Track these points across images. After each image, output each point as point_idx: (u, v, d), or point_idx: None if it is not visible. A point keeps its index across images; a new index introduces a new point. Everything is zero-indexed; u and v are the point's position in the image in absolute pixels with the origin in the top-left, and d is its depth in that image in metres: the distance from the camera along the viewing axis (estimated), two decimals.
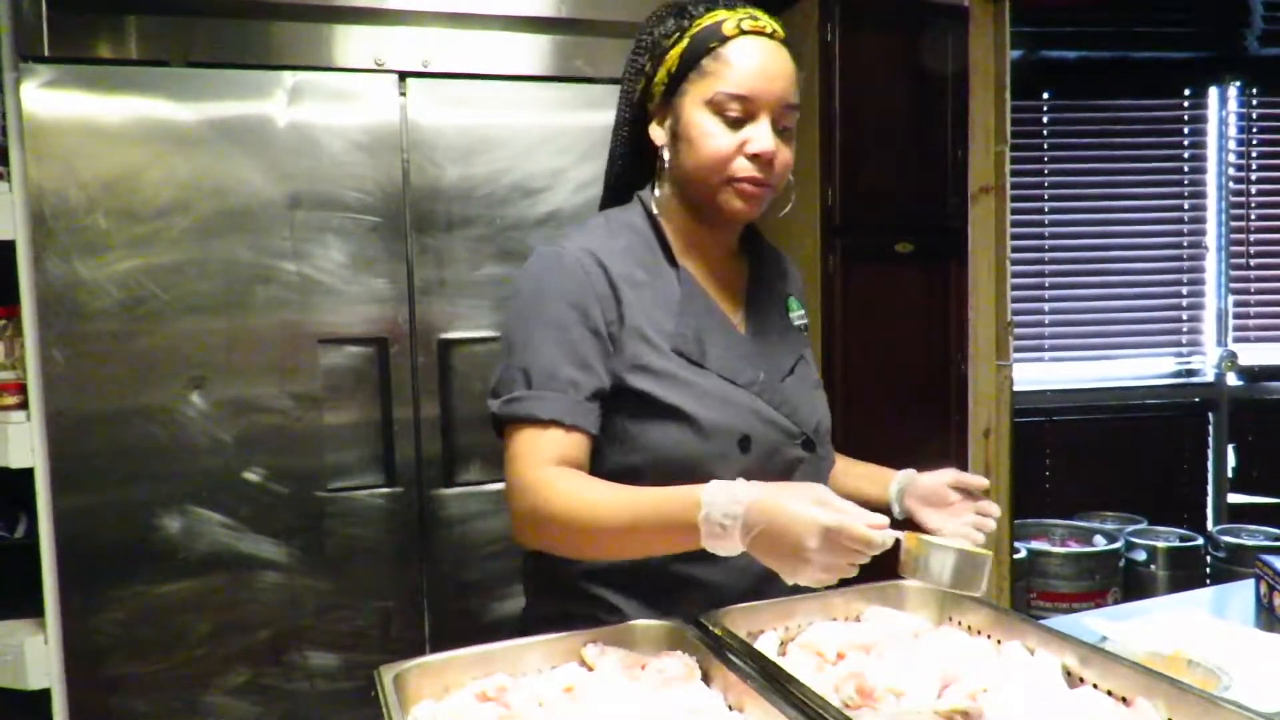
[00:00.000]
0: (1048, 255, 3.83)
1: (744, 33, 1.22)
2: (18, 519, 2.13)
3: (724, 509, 0.99)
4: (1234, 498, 3.91)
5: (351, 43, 2.11)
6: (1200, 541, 3.51)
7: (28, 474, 1.94)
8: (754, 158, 1.21)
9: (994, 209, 2.73)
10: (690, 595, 1.21)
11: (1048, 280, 3.83)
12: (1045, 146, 3.84)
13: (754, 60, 1.21)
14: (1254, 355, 3.90)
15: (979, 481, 1.31)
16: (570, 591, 1.28)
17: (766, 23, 1.25)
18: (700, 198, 1.26)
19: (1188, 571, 3.42)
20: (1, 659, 1.97)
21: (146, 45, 1.99)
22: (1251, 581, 1.68)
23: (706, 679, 1.04)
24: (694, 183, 1.25)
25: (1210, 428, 3.92)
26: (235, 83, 2.00)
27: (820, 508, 0.95)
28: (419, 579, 2.16)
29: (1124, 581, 3.42)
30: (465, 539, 2.17)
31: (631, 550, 1.14)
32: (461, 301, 2.14)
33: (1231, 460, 3.92)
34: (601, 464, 1.23)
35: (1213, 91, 3.88)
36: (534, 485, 1.14)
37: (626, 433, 1.23)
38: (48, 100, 1.89)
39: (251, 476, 2.04)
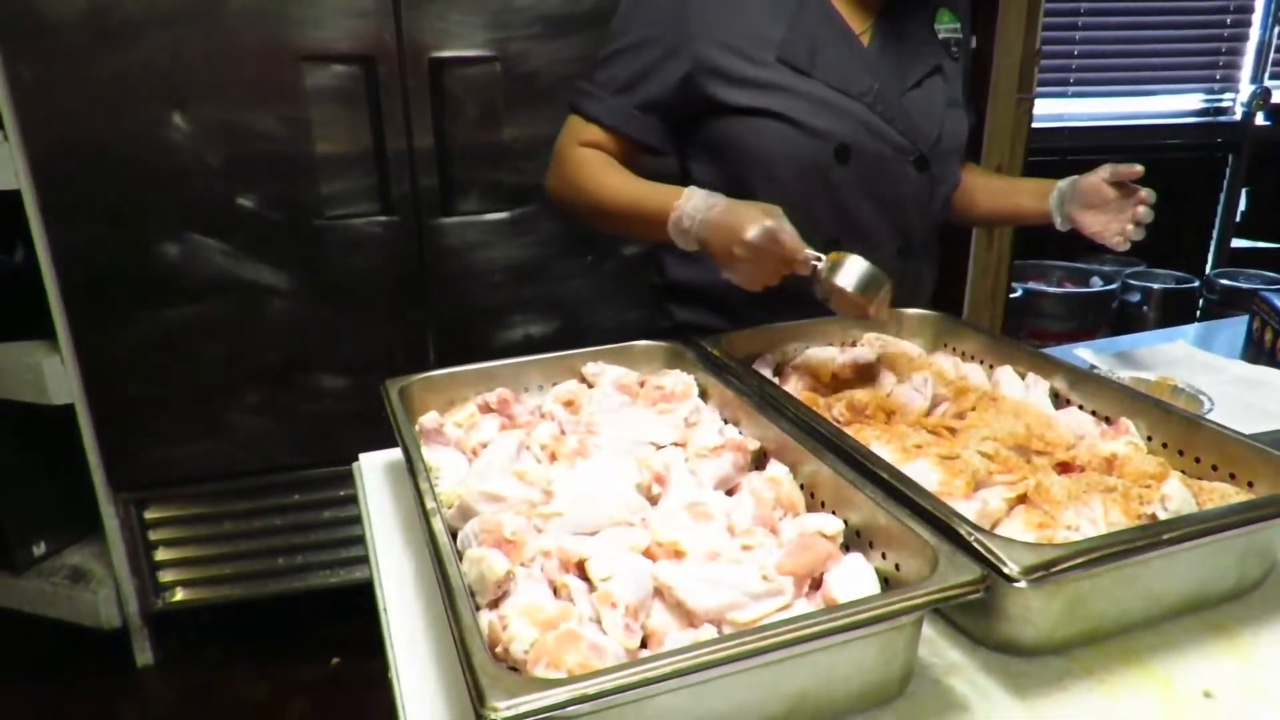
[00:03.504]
0: None
1: None
2: (14, 243, 2.11)
3: (691, 208, 1.09)
4: (1238, 243, 3.89)
5: None
6: (1196, 284, 3.53)
7: (16, 199, 1.90)
8: None
9: None
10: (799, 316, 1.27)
11: (1083, 6, 3.55)
12: None
13: None
14: None
15: (1133, 170, 1.25)
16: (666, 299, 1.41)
17: None
18: None
19: (1181, 314, 3.47)
20: (22, 377, 2.04)
21: None
22: (1242, 319, 1.70)
23: (704, 396, 1.07)
24: None
25: (1228, 170, 3.82)
26: None
27: (766, 214, 1.02)
28: (422, 307, 2.18)
29: (1115, 323, 3.48)
30: (467, 268, 2.17)
31: (626, 227, 1.23)
32: (452, 16, 1.99)
33: (1243, 205, 3.86)
34: (683, 175, 1.30)
35: None
36: (566, 157, 1.27)
37: (718, 141, 1.24)
38: None
39: (246, 203, 2.00)
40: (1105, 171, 1.27)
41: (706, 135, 1.25)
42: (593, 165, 1.24)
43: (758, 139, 1.21)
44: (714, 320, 1.32)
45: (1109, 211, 1.27)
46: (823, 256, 1.03)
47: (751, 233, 1.02)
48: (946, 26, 1.32)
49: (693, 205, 1.09)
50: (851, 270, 1.01)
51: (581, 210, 1.27)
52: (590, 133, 1.26)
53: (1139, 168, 1.24)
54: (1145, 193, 1.25)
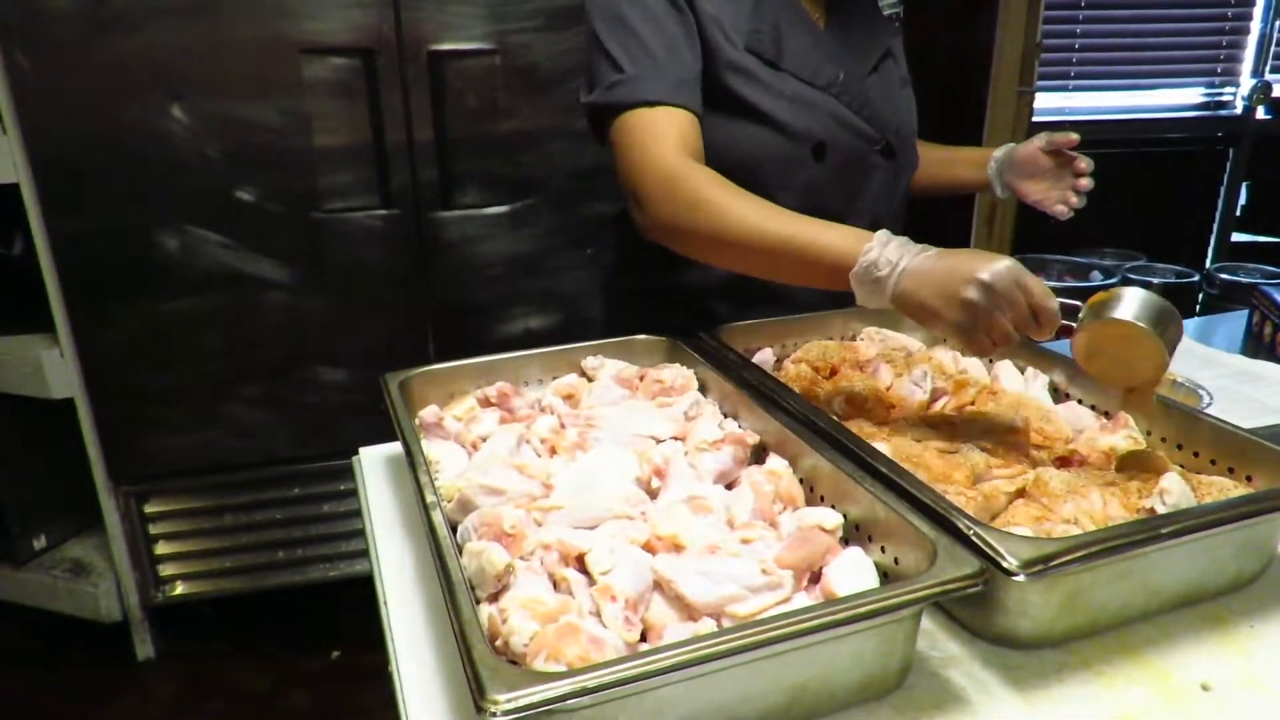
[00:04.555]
0: None
1: None
2: (13, 236, 2.11)
3: (890, 254, 0.90)
4: (1238, 237, 3.89)
5: None
6: (1196, 278, 3.53)
7: (14, 192, 1.90)
8: None
9: None
10: (774, 311, 1.22)
11: (1084, 0, 3.54)
12: None
13: None
14: None
15: (1069, 138, 1.25)
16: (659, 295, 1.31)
17: None
18: None
19: (1180, 308, 3.46)
20: (21, 371, 2.04)
21: None
22: (1242, 313, 1.70)
23: (703, 389, 1.07)
24: None
25: (1228, 164, 3.81)
26: None
27: (998, 257, 0.84)
28: (422, 301, 2.18)
29: None
30: (466, 262, 2.17)
31: (771, 270, 1.04)
32: (452, 8, 1.98)
33: (1243, 199, 3.85)
34: None
35: None
36: (681, 174, 1.05)
37: (708, 139, 1.16)
38: None
39: (245, 196, 2.00)
40: (1041, 140, 1.28)
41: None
42: (719, 187, 1.04)
43: (740, 145, 1.17)
44: (695, 326, 1.25)
45: (1048, 179, 1.28)
46: (1079, 304, 0.83)
47: (989, 272, 0.83)
48: (889, 2, 1.30)
49: (890, 251, 0.90)
50: (1133, 301, 0.79)
51: (701, 241, 1.06)
52: (665, 123, 1.08)
53: (1074, 136, 1.25)
54: (1084, 162, 1.26)
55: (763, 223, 1.00)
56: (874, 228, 1.27)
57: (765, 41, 1.16)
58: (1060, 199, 1.27)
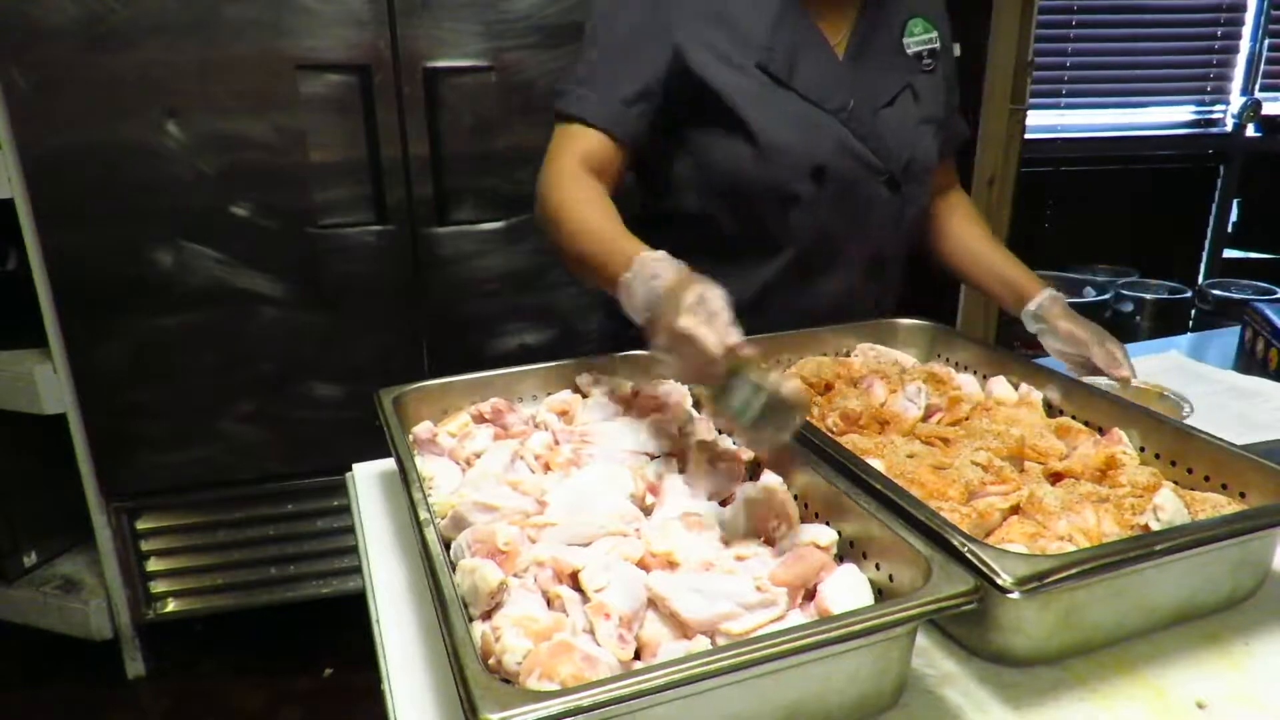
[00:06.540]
0: None
1: None
2: (6, 251, 2.11)
3: (646, 283, 0.91)
4: (1230, 253, 3.91)
5: None
6: (1189, 295, 3.55)
7: (9, 207, 1.90)
8: None
9: None
10: None
11: (1075, 19, 3.57)
12: None
13: None
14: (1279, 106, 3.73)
15: (1122, 373, 1.17)
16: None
17: None
18: None
19: (1173, 324, 3.48)
20: (14, 386, 2.03)
21: None
22: (1234, 330, 1.70)
23: (696, 406, 1.07)
24: None
25: (1219, 181, 3.84)
26: None
27: (688, 313, 0.82)
28: (417, 316, 2.18)
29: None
30: (461, 277, 2.17)
31: (583, 275, 1.08)
32: (447, 24, 1.99)
33: (1234, 216, 3.88)
34: (667, 171, 1.23)
35: None
36: (551, 177, 1.15)
37: (691, 147, 1.20)
38: None
39: (240, 211, 2.00)
40: (1094, 353, 1.20)
41: (682, 144, 1.22)
42: (579, 189, 1.11)
43: (732, 162, 1.18)
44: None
45: (1080, 359, 1.23)
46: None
47: (664, 333, 0.84)
48: (919, 38, 1.29)
49: (642, 280, 0.92)
50: (743, 392, 0.77)
51: (556, 244, 1.13)
52: (580, 139, 1.16)
53: (1127, 373, 1.17)
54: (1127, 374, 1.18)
55: (589, 231, 1.06)
56: (877, 257, 1.31)
57: (778, 60, 1.17)
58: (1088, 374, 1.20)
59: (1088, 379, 1.14)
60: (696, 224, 1.25)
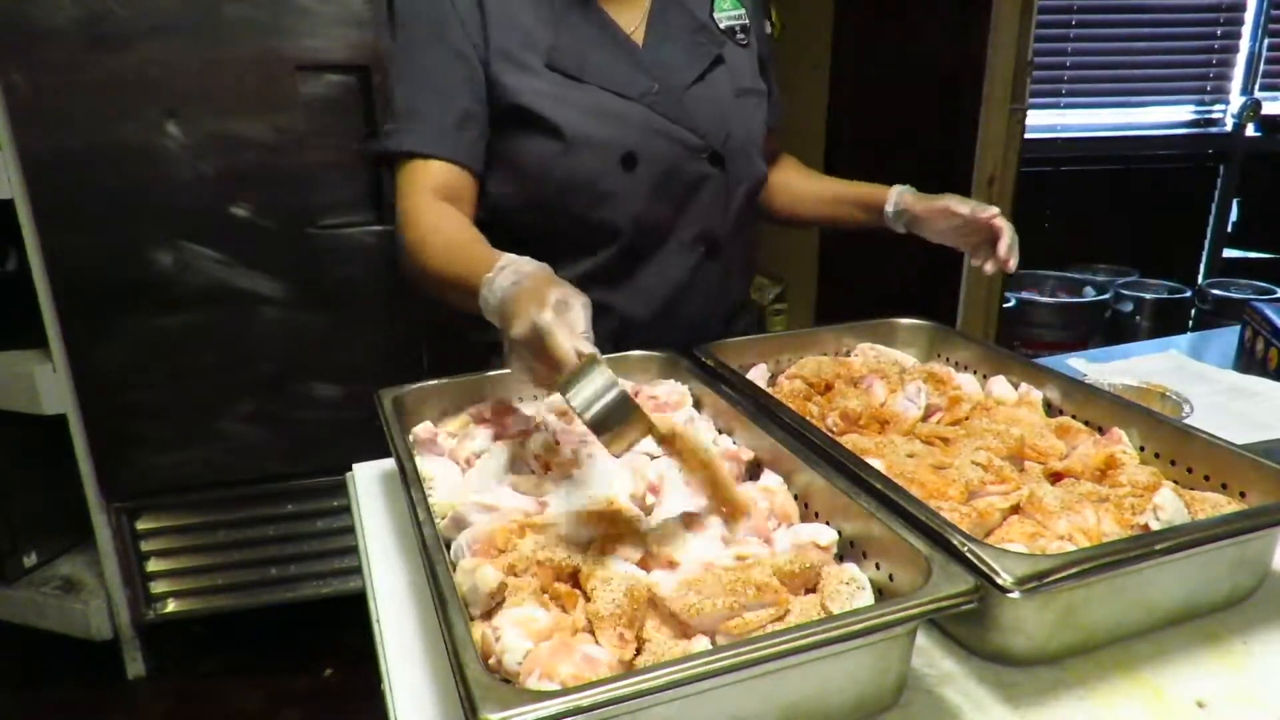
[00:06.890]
0: None
1: None
2: (6, 252, 2.11)
3: (510, 278, 0.88)
4: (1230, 253, 3.91)
5: None
6: (1188, 294, 3.55)
7: (9, 207, 1.90)
8: None
9: None
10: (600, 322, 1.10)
11: (1075, 18, 3.57)
12: None
13: None
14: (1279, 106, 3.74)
15: (988, 210, 1.19)
16: None
17: None
18: None
19: (1173, 324, 3.48)
20: (14, 387, 2.03)
21: None
22: (1234, 329, 1.70)
23: (698, 406, 1.07)
24: None
25: (1219, 181, 3.84)
26: None
27: (542, 309, 0.80)
28: (415, 316, 2.18)
29: (1108, 333, 3.49)
30: None
31: (453, 296, 1.04)
32: None
33: (1234, 216, 3.88)
34: (487, 180, 1.20)
35: None
36: (408, 217, 1.13)
37: (503, 157, 1.19)
38: None
39: (239, 212, 2.00)
40: (956, 205, 1.21)
41: (498, 153, 1.20)
42: (436, 216, 1.10)
43: (540, 163, 1.17)
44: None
45: (962, 234, 1.24)
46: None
47: (509, 339, 0.84)
48: (728, 14, 1.29)
49: (510, 271, 0.89)
50: (588, 389, 0.76)
51: (423, 274, 1.09)
52: (422, 174, 1.13)
53: (993, 209, 1.19)
54: (1006, 246, 1.19)
55: (442, 259, 1.04)
56: (706, 239, 1.27)
57: (567, 58, 1.16)
58: (984, 260, 1.22)
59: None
60: (520, 227, 1.22)
